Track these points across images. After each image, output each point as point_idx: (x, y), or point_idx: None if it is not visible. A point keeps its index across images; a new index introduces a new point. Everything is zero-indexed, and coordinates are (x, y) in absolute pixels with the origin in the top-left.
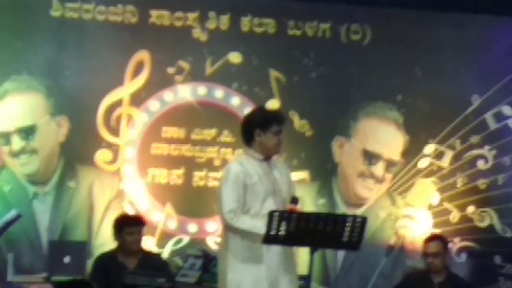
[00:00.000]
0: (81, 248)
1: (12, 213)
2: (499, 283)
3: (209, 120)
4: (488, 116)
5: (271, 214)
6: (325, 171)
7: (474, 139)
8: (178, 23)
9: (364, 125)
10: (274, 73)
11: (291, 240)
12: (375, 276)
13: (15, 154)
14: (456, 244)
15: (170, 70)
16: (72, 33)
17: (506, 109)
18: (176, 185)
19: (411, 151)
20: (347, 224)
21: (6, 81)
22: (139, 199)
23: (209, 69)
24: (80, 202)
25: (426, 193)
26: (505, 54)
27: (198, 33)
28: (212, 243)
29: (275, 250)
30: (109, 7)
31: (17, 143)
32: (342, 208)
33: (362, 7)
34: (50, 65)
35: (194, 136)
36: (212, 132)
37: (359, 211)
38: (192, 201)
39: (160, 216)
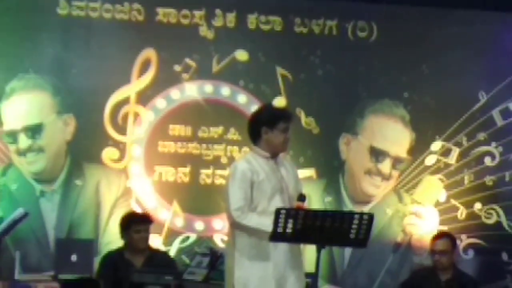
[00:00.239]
0: (88, 246)
1: (19, 211)
2: (506, 280)
3: (215, 118)
4: (495, 113)
5: (278, 212)
6: (332, 169)
7: (481, 136)
8: (185, 21)
9: (371, 122)
10: (280, 71)
11: (298, 237)
12: (382, 273)
13: (22, 153)
14: (463, 241)
15: (177, 68)
16: (79, 32)
17: None
18: (183, 183)
19: (418, 148)
20: (354, 221)
21: (13, 80)
22: (146, 197)
23: (215, 67)
24: (87, 200)
25: (433, 190)
26: None
27: (205, 31)
28: (219, 240)
29: (282, 247)
30: (116, 5)
31: (24, 141)
32: (349, 206)
33: (368, 4)
34: (56, 63)
35: (200, 134)
36: (219, 130)
37: (366, 209)
38: (199, 199)
39: (167, 214)
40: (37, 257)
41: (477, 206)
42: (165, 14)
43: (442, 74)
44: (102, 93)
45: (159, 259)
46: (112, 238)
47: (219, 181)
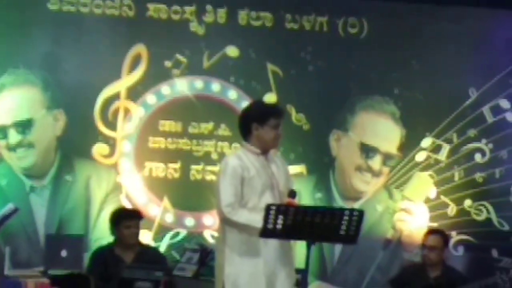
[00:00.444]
0: (78, 241)
1: (9, 207)
2: (495, 277)
3: (206, 114)
4: (486, 110)
5: (268, 208)
6: (322, 165)
7: (472, 132)
8: (175, 17)
9: (362, 118)
10: (271, 67)
11: (288, 233)
12: (372, 269)
13: (12, 148)
14: (453, 237)
15: (167, 63)
16: (69, 27)
17: (503, 103)
18: (173, 178)
19: (409, 145)
20: (344, 217)
21: (3, 75)
22: (136, 192)
23: (206, 63)
24: (77, 196)
25: (423, 186)
26: (503, 47)
27: (195, 27)
28: (209, 236)
29: (272, 244)
30: (106, 1)
31: (14, 136)
32: (339, 202)
33: (359, 1)
34: (47, 58)
35: (191, 130)
36: (209, 125)
37: (356, 205)
38: (189, 195)
39: (157, 210)
40: (27, 252)
41: (467, 202)
42: (156, 9)
43: (433, 71)
44: (93, 89)
45: (149, 255)
46: (102, 234)
47: (209, 177)
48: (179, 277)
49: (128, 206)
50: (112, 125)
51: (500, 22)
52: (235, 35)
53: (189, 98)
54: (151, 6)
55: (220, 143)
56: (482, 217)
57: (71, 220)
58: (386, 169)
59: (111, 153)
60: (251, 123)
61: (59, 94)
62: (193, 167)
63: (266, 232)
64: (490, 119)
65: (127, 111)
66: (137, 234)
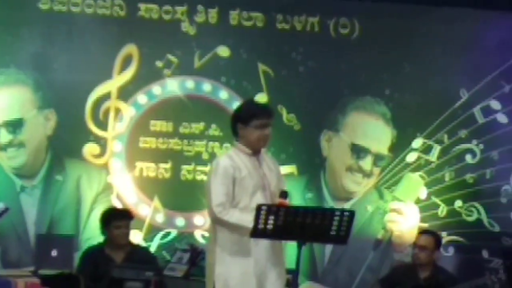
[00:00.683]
0: (69, 241)
1: None
2: (485, 277)
3: (197, 114)
4: (476, 111)
5: (259, 208)
6: (313, 165)
7: (462, 133)
8: (167, 17)
9: (352, 119)
10: (262, 67)
11: (279, 234)
12: (363, 270)
13: (2, 148)
14: (443, 238)
15: (158, 63)
16: (60, 27)
17: (494, 104)
18: (164, 178)
19: (399, 145)
20: (335, 218)
21: None
22: (126, 192)
23: (197, 63)
24: (67, 196)
25: (414, 187)
26: (494, 48)
27: (187, 27)
28: (200, 237)
29: (263, 244)
30: (98, 1)
31: (4, 136)
32: (330, 202)
33: (350, 1)
34: (38, 58)
35: (182, 130)
36: (200, 125)
37: (347, 205)
38: (180, 195)
39: (148, 210)
40: (17, 252)
41: (458, 203)
42: (147, 9)
43: (424, 72)
44: (84, 89)
45: (139, 255)
46: (92, 234)
47: (200, 177)
48: (170, 277)
49: (119, 206)
50: (103, 125)
51: (490, 23)
52: (227, 35)
53: (180, 98)
54: (142, 6)
55: (211, 143)
56: (472, 217)
57: (62, 220)
58: (377, 170)
59: (102, 153)
60: (236, 123)
61: (50, 94)
62: (184, 167)
63: (257, 232)
64: (481, 120)
65: (118, 111)
66: (127, 234)
